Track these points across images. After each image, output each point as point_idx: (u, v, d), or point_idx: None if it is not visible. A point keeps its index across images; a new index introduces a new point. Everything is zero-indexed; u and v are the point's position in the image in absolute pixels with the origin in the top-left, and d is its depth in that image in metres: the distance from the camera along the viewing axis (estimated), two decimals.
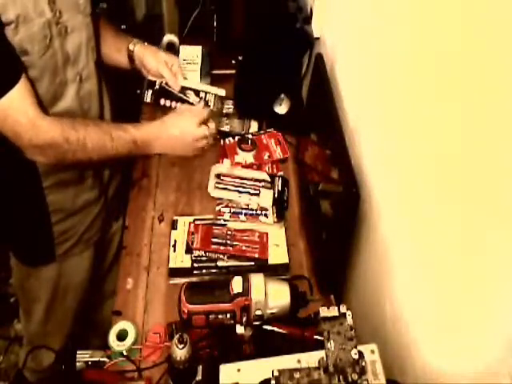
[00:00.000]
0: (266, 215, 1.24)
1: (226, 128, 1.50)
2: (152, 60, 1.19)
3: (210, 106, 1.23)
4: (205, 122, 1.14)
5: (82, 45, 1.04)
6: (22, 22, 0.88)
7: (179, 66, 1.23)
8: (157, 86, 1.23)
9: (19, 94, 0.91)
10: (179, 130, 1.11)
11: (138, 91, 1.62)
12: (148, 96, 1.24)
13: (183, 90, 1.23)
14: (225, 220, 1.23)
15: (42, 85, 0.97)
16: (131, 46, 1.20)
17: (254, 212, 1.25)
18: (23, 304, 1.37)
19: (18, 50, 0.90)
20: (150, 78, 1.23)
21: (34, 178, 1.07)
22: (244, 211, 1.25)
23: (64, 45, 1.00)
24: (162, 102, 1.23)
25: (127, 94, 1.50)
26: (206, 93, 1.24)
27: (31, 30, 0.90)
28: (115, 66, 1.24)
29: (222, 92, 1.26)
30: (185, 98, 1.23)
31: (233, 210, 1.25)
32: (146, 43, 1.24)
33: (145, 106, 1.57)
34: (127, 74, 1.27)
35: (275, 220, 1.24)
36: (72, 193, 1.16)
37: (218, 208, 1.25)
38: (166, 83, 1.22)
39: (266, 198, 1.27)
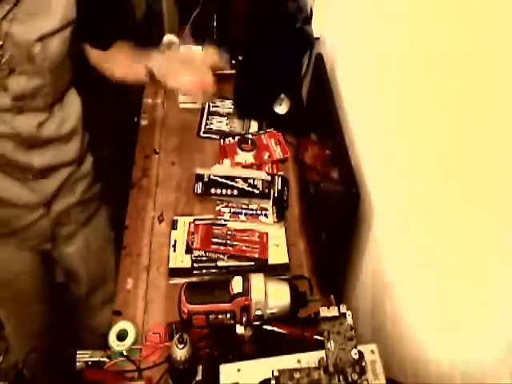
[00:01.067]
0: (265, 215, 1.24)
1: (226, 128, 1.50)
2: (164, 71, 1.13)
3: (259, 189, 1.27)
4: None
5: (29, 89, 1.02)
6: None
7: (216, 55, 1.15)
8: (206, 179, 1.29)
9: None
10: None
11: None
12: (199, 188, 1.28)
13: (232, 178, 1.29)
14: (225, 220, 1.23)
15: None
16: (151, 61, 1.14)
17: (254, 212, 1.25)
18: None
19: None
20: (198, 171, 1.28)
21: None
22: (244, 211, 1.25)
23: (4, 79, 0.98)
24: (213, 190, 1.27)
25: (128, 95, 1.50)
26: (254, 179, 1.29)
27: None
28: (130, 82, 1.22)
29: (267, 177, 1.31)
30: (234, 184, 1.28)
31: (233, 209, 1.25)
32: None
33: (145, 106, 1.58)
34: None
35: (275, 220, 1.24)
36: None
37: (217, 208, 1.25)
38: (215, 175, 1.28)
39: (266, 197, 1.27)
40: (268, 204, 1.26)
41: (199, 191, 1.28)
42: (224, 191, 1.27)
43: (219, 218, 1.23)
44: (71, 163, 1.22)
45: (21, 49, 0.96)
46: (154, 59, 1.14)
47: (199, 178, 1.30)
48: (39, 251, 1.31)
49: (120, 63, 1.20)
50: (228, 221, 1.23)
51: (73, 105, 1.17)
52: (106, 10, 1.11)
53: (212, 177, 1.30)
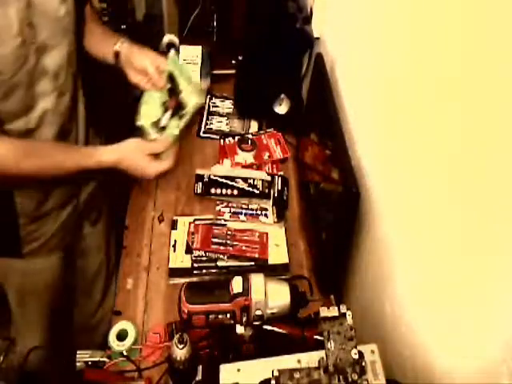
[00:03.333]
0: (265, 215, 1.24)
1: (226, 128, 1.50)
2: (139, 57, 1.18)
3: (258, 189, 1.28)
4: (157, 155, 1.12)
5: (63, 61, 1.03)
6: None
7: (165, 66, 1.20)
8: (206, 179, 1.30)
9: None
10: (131, 160, 1.10)
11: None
12: (199, 188, 1.29)
13: (232, 178, 1.30)
14: (225, 220, 1.23)
15: (10, 101, 0.96)
16: (119, 44, 1.18)
17: (254, 212, 1.25)
18: None
19: None
20: (198, 171, 1.28)
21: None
22: (244, 211, 1.25)
23: (41, 61, 0.98)
24: (213, 190, 1.28)
25: (124, 91, 1.49)
26: (253, 179, 1.30)
27: (4, 52, 0.89)
28: (99, 58, 1.22)
29: (267, 177, 1.32)
30: (234, 184, 1.28)
31: (233, 209, 1.25)
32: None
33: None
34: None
35: (275, 220, 1.24)
36: (40, 197, 1.13)
37: (218, 208, 1.25)
38: (215, 175, 1.29)
39: (266, 198, 1.27)
40: (268, 204, 1.26)
41: (199, 191, 1.28)
42: (224, 191, 1.28)
43: (219, 218, 1.23)
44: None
45: (49, 17, 0.97)
46: (122, 44, 1.18)
47: (199, 178, 1.30)
48: (64, 249, 1.29)
49: (93, 40, 1.20)
50: (228, 221, 1.23)
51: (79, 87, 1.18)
52: None
53: (212, 177, 1.30)
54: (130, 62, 1.18)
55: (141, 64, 1.17)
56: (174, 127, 1.15)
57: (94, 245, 1.43)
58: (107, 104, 1.44)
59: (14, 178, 1.00)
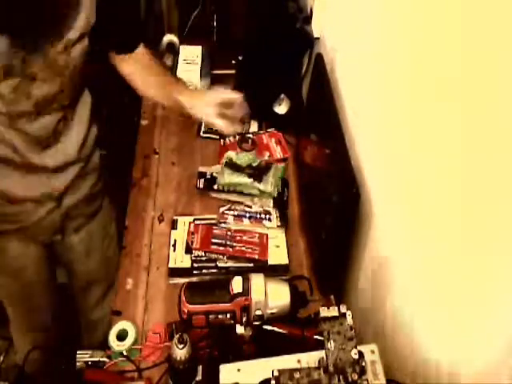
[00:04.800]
0: (269, 219, 1.24)
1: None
2: (200, 111, 1.20)
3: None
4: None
5: (49, 95, 1.02)
6: None
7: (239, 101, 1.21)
8: (208, 176, 1.32)
9: None
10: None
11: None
12: (201, 183, 1.31)
13: None
14: (228, 223, 1.22)
15: None
16: (178, 96, 1.20)
17: (258, 216, 1.24)
18: None
19: None
20: (201, 169, 1.32)
21: None
22: (248, 214, 1.24)
23: (29, 87, 0.98)
24: (215, 187, 1.29)
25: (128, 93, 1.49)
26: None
27: None
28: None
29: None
30: None
31: (236, 212, 1.24)
32: (189, 87, 1.30)
33: (145, 106, 1.57)
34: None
35: (279, 224, 1.23)
36: (15, 180, 1.12)
37: (221, 210, 1.24)
38: (217, 172, 1.32)
39: (268, 184, 1.28)
40: (269, 203, 1.26)
41: (201, 186, 1.29)
42: (226, 187, 1.28)
43: (222, 221, 1.22)
44: (82, 159, 1.21)
45: (43, 59, 0.96)
46: (184, 93, 1.21)
47: (201, 175, 1.32)
48: (45, 245, 1.31)
49: (151, 87, 1.24)
50: (231, 224, 1.22)
51: (85, 105, 1.17)
52: (128, 12, 1.12)
53: (214, 174, 1.31)
54: (194, 115, 1.22)
55: (205, 120, 1.23)
56: None
57: (85, 249, 1.41)
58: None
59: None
